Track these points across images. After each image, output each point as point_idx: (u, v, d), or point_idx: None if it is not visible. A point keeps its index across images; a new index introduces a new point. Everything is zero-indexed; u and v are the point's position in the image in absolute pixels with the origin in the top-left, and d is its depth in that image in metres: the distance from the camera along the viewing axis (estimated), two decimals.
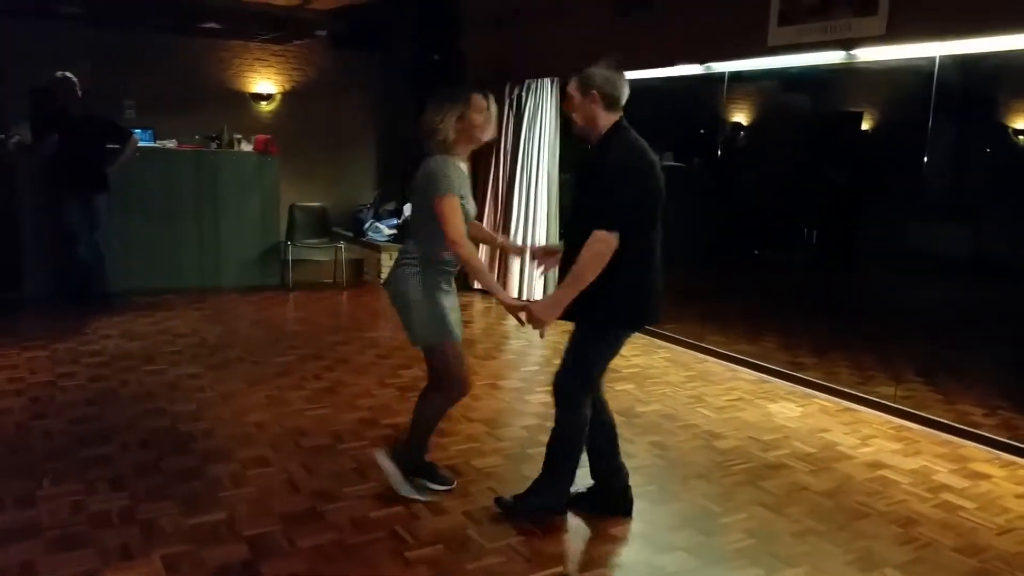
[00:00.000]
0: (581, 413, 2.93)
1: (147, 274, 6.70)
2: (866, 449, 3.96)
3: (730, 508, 3.22)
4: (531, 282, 7.23)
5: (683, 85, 6.37)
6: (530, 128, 7.14)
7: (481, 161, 7.30)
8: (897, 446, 4.02)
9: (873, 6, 4.39)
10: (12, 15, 7.56)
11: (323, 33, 9.33)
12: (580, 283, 2.70)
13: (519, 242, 7.15)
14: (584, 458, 3.09)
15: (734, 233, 8.24)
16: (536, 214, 7.21)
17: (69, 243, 5.99)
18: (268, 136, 7.48)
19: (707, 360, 5.59)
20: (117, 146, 6.12)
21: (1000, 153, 7.32)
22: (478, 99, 2.94)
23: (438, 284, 2.96)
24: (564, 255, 2.91)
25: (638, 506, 3.12)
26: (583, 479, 3.33)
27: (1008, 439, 4.05)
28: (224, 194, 7.12)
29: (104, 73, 7.73)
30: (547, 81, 7.03)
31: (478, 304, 7.21)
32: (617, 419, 4.04)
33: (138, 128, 6.80)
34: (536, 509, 3.01)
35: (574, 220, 2.82)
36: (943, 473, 3.69)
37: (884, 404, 4.57)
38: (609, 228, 2.66)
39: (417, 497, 3.09)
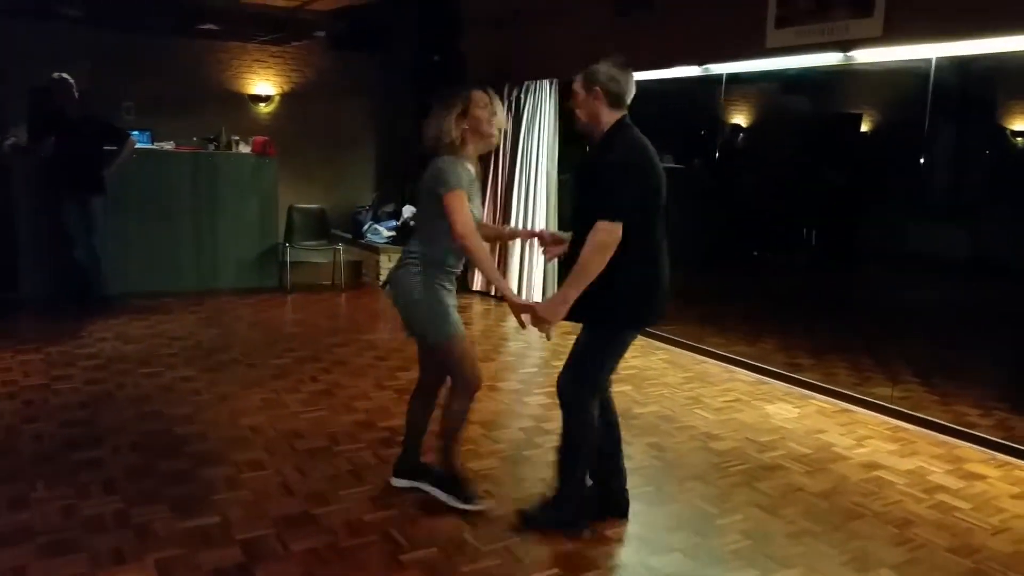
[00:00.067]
0: (588, 416, 2.89)
1: (144, 276, 6.70)
2: (862, 450, 3.95)
3: (726, 509, 3.22)
4: (531, 278, 7.23)
5: (682, 87, 6.36)
6: (529, 129, 7.14)
7: (480, 162, 7.28)
8: (893, 447, 4.02)
9: (870, 8, 4.39)
10: (11, 15, 7.57)
11: (322, 34, 9.34)
12: (585, 276, 2.66)
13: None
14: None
15: (733, 234, 8.24)
16: (535, 215, 7.21)
17: (66, 245, 5.98)
18: (266, 138, 7.47)
19: (705, 361, 5.59)
20: (114, 148, 6.11)
21: (996, 154, 7.32)
22: (479, 94, 2.93)
23: (440, 283, 2.94)
24: (568, 255, 2.88)
25: (634, 508, 3.12)
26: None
27: (1004, 439, 4.05)
28: (222, 196, 7.12)
29: (103, 74, 7.74)
30: (546, 82, 7.03)
31: (477, 306, 7.20)
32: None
33: (136, 130, 6.80)
34: (554, 523, 2.94)
35: (575, 220, 2.78)
36: (939, 474, 3.69)
37: (881, 405, 4.57)
38: (612, 219, 2.63)
39: (476, 507, 3.04)
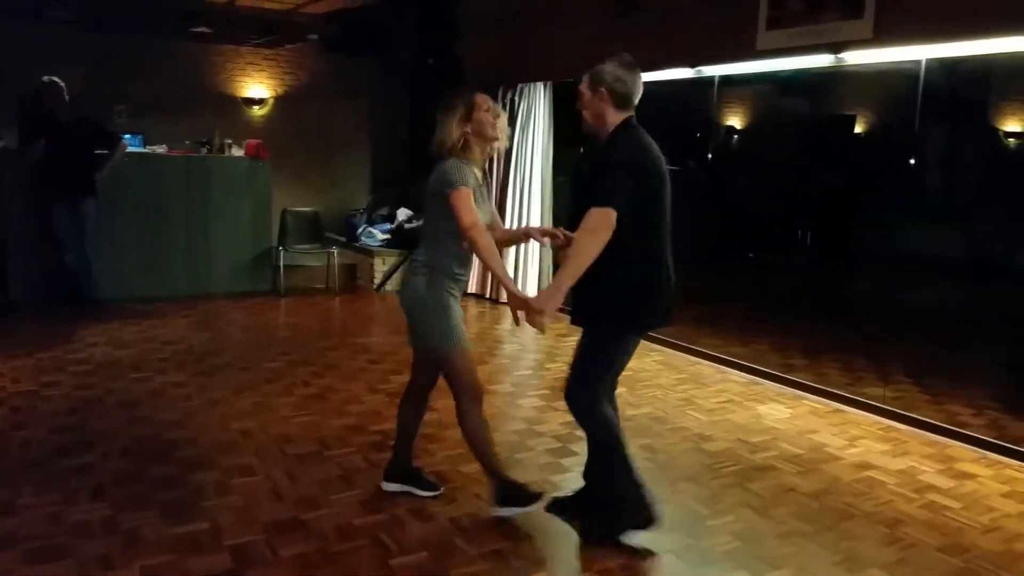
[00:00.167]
0: (601, 416, 2.87)
1: (137, 280, 6.68)
2: (854, 450, 3.95)
3: (718, 511, 3.21)
4: (526, 272, 7.23)
5: (676, 89, 6.38)
6: (524, 132, 7.14)
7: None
8: (885, 447, 4.02)
9: (860, 10, 4.40)
10: (1, 17, 7.54)
11: (315, 37, 9.33)
12: (578, 262, 2.60)
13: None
14: (583, 458, 3.08)
15: (726, 236, 8.26)
16: (529, 218, 7.21)
17: (56, 249, 5.96)
18: (259, 140, 7.46)
19: (699, 363, 5.58)
20: (106, 151, 6.09)
21: (987, 155, 7.34)
22: (481, 97, 2.92)
23: (448, 291, 2.92)
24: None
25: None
26: (568, 483, 3.34)
27: (995, 439, 4.05)
28: (215, 199, 7.11)
29: (95, 77, 7.71)
30: (541, 84, 7.04)
31: (472, 308, 7.19)
32: None
33: (128, 133, 6.78)
34: (619, 531, 2.89)
35: (575, 223, 2.71)
36: (930, 473, 3.69)
37: (873, 405, 4.57)
38: (604, 205, 2.58)
39: (527, 509, 3.01)
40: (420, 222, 7.97)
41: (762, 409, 4.56)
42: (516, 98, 7.12)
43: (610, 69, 2.75)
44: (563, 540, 2.94)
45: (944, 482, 3.59)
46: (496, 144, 2.98)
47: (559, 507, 3.12)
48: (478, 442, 3.01)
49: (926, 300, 6.62)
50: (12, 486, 3.11)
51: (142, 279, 6.71)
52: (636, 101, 2.79)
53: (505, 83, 7.13)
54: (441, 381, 3.11)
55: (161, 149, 7.19)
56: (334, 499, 3.13)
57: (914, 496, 3.42)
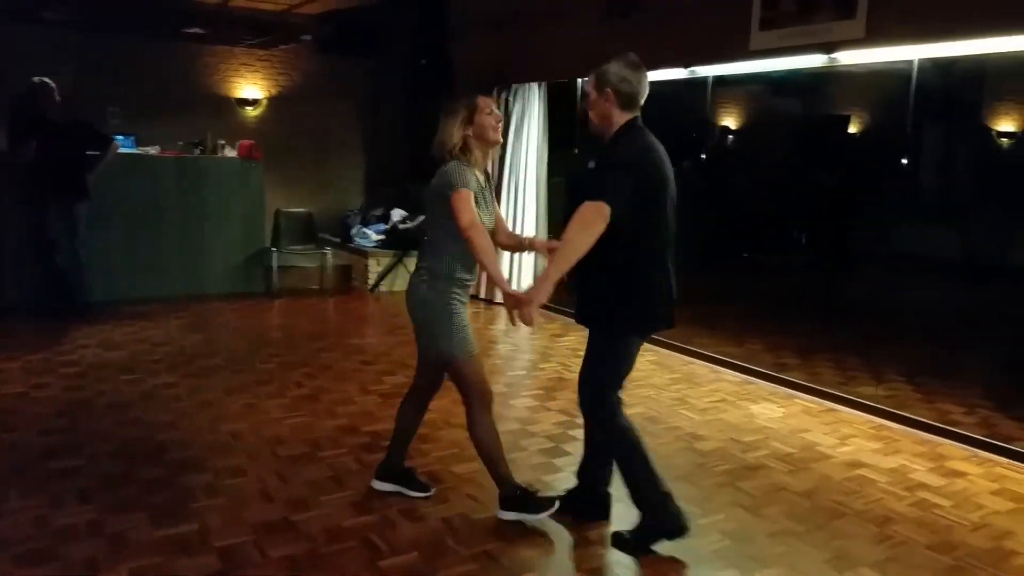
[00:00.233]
0: (618, 422, 2.84)
1: (129, 283, 6.65)
2: (845, 449, 3.95)
3: (709, 510, 3.21)
4: (520, 271, 7.23)
5: (669, 90, 6.38)
6: (518, 133, 7.14)
7: None
8: (877, 445, 4.02)
9: (852, 10, 4.41)
10: None
11: (308, 38, 9.32)
12: (568, 255, 2.56)
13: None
14: (581, 455, 3.09)
15: (721, 235, 8.26)
16: (524, 219, 7.20)
17: (48, 251, 5.94)
18: (252, 141, 7.45)
19: (692, 362, 5.58)
20: (98, 152, 6.07)
21: (980, 154, 7.35)
22: (484, 100, 2.91)
23: (455, 297, 2.89)
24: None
25: (617, 510, 3.11)
26: (561, 483, 3.34)
27: (986, 437, 4.06)
28: (208, 200, 7.09)
29: (88, 78, 7.70)
30: (535, 85, 7.03)
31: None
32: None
33: (121, 134, 6.76)
34: (651, 538, 2.84)
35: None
36: (920, 471, 3.69)
37: (866, 404, 4.57)
38: (597, 198, 2.54)
39: (543, 515, 2.98)
40: (414, 223, 7.97)
41: (755, 408, 4.56)
42: (510, 99, 7.12)
43: (615, 69, 2.72)
44: (554, 540, 2.93)
45: (935, 480, 3.59)
46: (496, 146, 2.97)
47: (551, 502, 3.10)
48: (488, 449, 2.99)
49: (919, 299, 6.63)
50: None
51: (134, 281, 6.69)
52: (642, 101, 2.76)
53: (499, 84, 7.12)
54: (445, 383, 3.10)
55: (154, 150, 7.17)
56: (325, 500, 3.12)
57: (905, 494, 3.42)
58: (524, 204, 7.18)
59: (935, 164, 7.43)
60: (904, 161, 5.14)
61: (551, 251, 2.88)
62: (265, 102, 9.48)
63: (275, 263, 7.34)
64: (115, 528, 2.82)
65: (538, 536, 2.93)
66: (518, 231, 7.16)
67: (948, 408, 4.63)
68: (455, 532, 2.93)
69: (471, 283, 2.98)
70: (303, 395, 4.44)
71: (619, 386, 2.90)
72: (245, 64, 9.40)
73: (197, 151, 7.31)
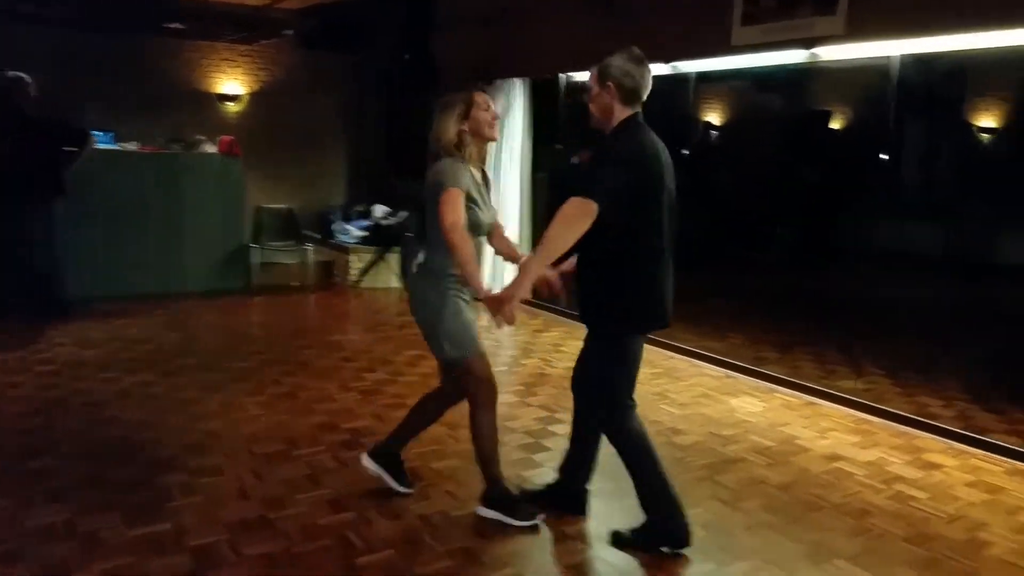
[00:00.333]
0: (627, 428, 2.81)
1: (108, 280, 6.57)
2: (824, 442, 3.97)
3: (687, 503, 3.16)
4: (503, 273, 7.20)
5: (653, 86, 6.38)
6: (501, 128, 7.10)
7: None
8: (855, 439, 4.04)
9: (833, 5, 4.42)
10: None
11: (290, 33, 9.25)
12: (549, 250, 2.51)
13: None
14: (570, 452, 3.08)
15: (703, 232, 8.28)
16: (508, 215, 7.18)
17: (24, 249, 5.85)
18: (232, 137, 7.38)
19: (674, 357, 5.59)
20: (74, 148, 5.99)
21: (959, 150, 7.41)
22: (481, 96, 2.87)
23: (458, 295, 2.85)
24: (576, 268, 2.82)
25: (595, 505, 3.11)
26: (540, 478, 3.33)
27: (962, 430, 4.09)
28: (188, 197, 7.01)
29: (65, 74, 7.60)
30: (518, 81, 7.01)
31: None
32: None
33: (99, 130, 6.68)
34: (654, 544, 2.81)
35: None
36: (898, 464, 3.71)
37: (845, 398, 4.59)
38: (583, 195, 2.49)
39: (534, 522, 2.95)
40: (397, 219, 7.94)
41: (735, 402, 4.58)
42: (494, 94, 7.09)
43: (618, 63, 2.66)
44: (532, 537, 2.92)
45: (912, 473, 3.62)
46: (492, 142, 2.92)
47: (529, 497, 3.12)
48: (485, 447, 2.97)
49: (899, 294, 6.67)
50: None
51: (113, 279, 6.61)
52: (644, 97, 2.71)
53: (482, 79, 7.09)
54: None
55: (133, 146, 7.09)
56: (301, 498, 3.10)
57: (882, 487, 3.44)
58: (507, 200, 7.15)
59: (916, 160, 7.48)
60: (885, 157, 5.15)
61: (548, 285, 2.86)
62: (246, 98, 9.40)
63: (256, 260, 7.28)
64: (88, 528, 2.78)
65: (516, 533, 2.92)
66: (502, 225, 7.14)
67: (926, 401, 4.67)
68: (433, 529, 2.92)
69: None
70: (282, 392, 4.40)
71: (631, 389, 2.86)
72: (226, 59, 9.31)
73: (177, 147, 7.24)
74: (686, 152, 6.51)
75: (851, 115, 8.01)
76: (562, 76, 6.91)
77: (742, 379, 5.07)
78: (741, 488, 3.38)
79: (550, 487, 3.17)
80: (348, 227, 8.33)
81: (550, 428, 4.01)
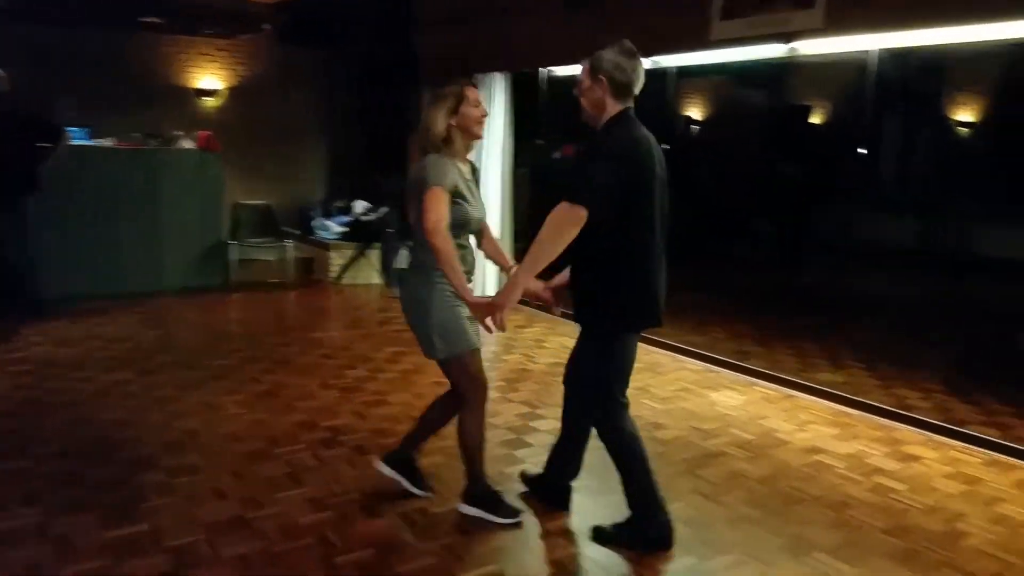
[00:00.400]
0: (620, 427, 2.80)
1: (84, 278, 6.47)
2: (804, 435, 4.00)
3: (668, 498, 3.17)
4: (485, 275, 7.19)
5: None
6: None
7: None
8: (834, 431, 4.07)
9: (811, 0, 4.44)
10: None
11: (268, 27, 9.15)
12: (539, 257, 2.50)
13: None
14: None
15: (684, 226, 8.32)
16: (489, 212, 7.14)
17: None
18: (209, 132, 7.30)
19: (656, 352, 5.60)
20: (49, 145, 5.89)
21: (936, 144, 7.47)
22: (472, 91, 2.80)
23: (446, 292, 2.77)
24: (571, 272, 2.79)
25: (577, 500, 3.11)
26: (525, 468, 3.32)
27: (940, 421, 4.13)
28: (165, 193, 6.92)
29: (40, 69, 7.48)
30: (498, 75, 6.97)
31: None
32: (561, 413, 4.04)
33: (75, 127, 6.57)
34: (638, 538, 2.81)
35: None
36: (877, 456, 3.74)
37: (824, 390, 4.62)
38: (573, 200, 2.45)
39: (516, 519, 2.94)
40: (377, 215, 7.89)
41: (715, 396, 4.59)
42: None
43: (610, 56, 2.62)
44: (515, 534, 2.91)
45: (891, 464, 3.64)
46: (478, 139, 2.87)
47: (526, 480, 3.18)
48: (471, 446, 2.94)
49: (879, 288, 6.73)
50: None
51: (89, 276, 6.51)
52: (637, 91, 2.67)
53: (462, 74, 7.05)
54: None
55: (109, 142, 6.99)
56: (280, 497, 3.07)
57: (861, 479, 3.47)
58: (488, 196, 7.12)
59: (894, 154, 7.54)
60: (864, 151, 5.20)
61: (533, 296, 2.85)
62: (225, 93, 9.30)
63: (234, 257, 7.21)
64: (61, 531, 2.74)
65: (498, 529, 2.91)
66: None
67: (905, 393, 4.70)
68: (414, 526, 2.90)
69: (467, 273, 2.83)
70: (261, 390, 4.36)
71: (625, 386, 2.85)
72: (204, 54, 9.20)
73: (154, 143, 7.14)
74: (666, 147, 6.53)
75: (830, 110, 8.05)
76: (542, 71, 6.89)
77: (723, 373, 5.09)
78: (722, 482, 3.39)
79: (536, 477, 3.17)
80: (328, 223, 8.27)
81: (532, 424, 4.00)
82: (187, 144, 7.16)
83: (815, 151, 7.98)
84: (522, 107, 7.07)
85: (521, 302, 2.77)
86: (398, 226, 7.15)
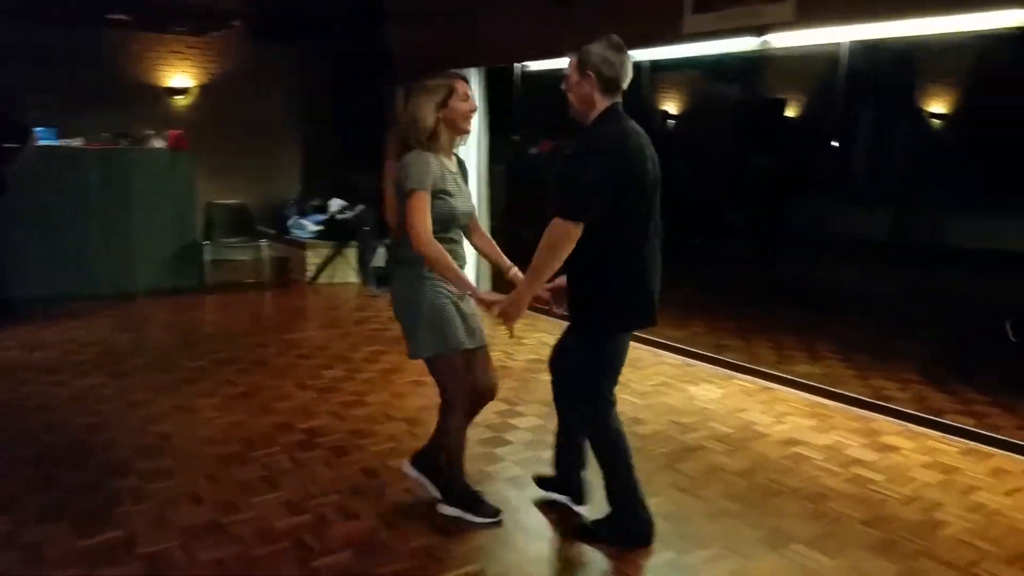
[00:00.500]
0: (608, 424, 2.79)
1: (54, 280, 6.36)
2: (781, 427, 4.02)
3: (647, 493, 3.16)
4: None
5: None
6: None
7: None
8: (812, 423, 4.10)
9: None
10: None
11: (238, 23, 9.03)
12: (541, 271, 2.55)
13: None
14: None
15: (664, 222, 8.33)
16: None
17: None
18: (180, 131, 7.19)
19: (636, 347, 5.58)
20: (15, 145, 5.77)
21: (910, 136, 7.55)
22: (462, 85, 2.74)
23: (439, 289, 2.72)
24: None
25: (558, 498, 3.09)
26: (502, 471, 3.31)
27: (917, 411, 4.17)
28: (136, 193, 6.83)
29: (5, 67, 7.32)
30: (473, 71, 6.93)
31: None
32: (541, 410, 4.03)
33: (42, 127, 6.45)
34: (618, 534, 2.80)
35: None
36: (855, 447, 3.77)
37: (801, 382, 4.65)
38: (566, 216, 2.46)
39: (496, 519, 2.92)
40: (354, 213, 7.82)
41: (694, 390, 4.61)
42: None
43: (598, 51, 2.58)
44: (494, 532, 2.89)
45: (868, 455, 3.67)
46: (465, 135, 2.81)
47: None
48: (452, 445, 2.91)
49: (854, 280, 6.78)
50: None
51: (59, 278, 6.40)
52: (625, 86, 2.64)
53: (436, 69, 7.00)
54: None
55: (78, 142, 6.86)
56: (257, 501, 3.03)
57: (839, 470, 3.49)
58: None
59: (866, 147, 7.61)
60: (836, 144, 5.23)
61: (543, 301, 2.86)
62: (196, 91, 9.17)
63: (208, 257, 7.12)
64: (32, 539, 2.68)
65: (477, 529, 2.89)
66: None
67: (882, 384, 4.74)
68: (392, 528, 2.88)
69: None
70: (237, 392, 4.30)
71: (614, 384, 2.84)
72: (174, 51, 9.05)
73: (124, 142, 7.03)
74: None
75: (803, 103, 8.10)
76: (517, 66, 6.86)
77: (701, 366, 5.11)
78: (700, 476, 3.40)
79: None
80: (303, 222, 8.18)
81: (511, 421, 3.98)
82: (158, 143, 7.05)
83: (789, 144, 8.03)
84: (497, 103, 7.04)
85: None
86: (374, 224, 7.10)
